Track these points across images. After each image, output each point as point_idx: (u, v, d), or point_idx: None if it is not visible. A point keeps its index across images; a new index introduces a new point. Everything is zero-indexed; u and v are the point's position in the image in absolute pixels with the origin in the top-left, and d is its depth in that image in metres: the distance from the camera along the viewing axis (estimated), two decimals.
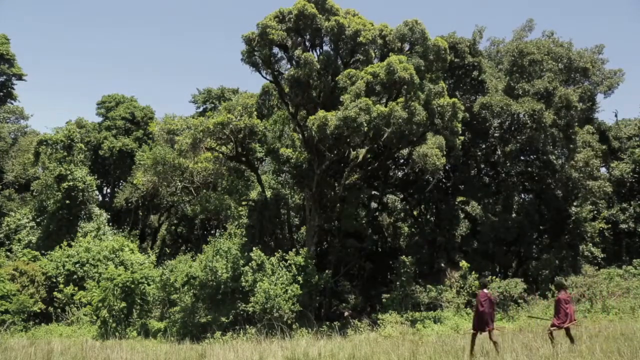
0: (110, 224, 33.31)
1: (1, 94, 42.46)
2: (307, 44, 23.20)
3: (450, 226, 29.03)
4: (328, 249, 27.46)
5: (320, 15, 22.15)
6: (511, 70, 27.40)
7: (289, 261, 21.91)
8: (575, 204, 28.53)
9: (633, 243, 31.58)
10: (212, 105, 43.44)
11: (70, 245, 28.02)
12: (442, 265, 26.87)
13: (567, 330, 11.58)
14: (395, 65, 20.38)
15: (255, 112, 24.58)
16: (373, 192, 31.18)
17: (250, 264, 21.68)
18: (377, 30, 22.76)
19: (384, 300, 23.33)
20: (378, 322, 20.84)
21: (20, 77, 42.52)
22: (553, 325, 11.60)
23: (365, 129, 19.83)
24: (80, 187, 30.75)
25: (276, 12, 22.60)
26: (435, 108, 22.00)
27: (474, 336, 11.48)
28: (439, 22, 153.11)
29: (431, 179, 26.98)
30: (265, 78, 24.44)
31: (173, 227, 44.73)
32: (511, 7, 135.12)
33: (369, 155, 24.67)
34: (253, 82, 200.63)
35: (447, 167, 28.77)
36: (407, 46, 23.40)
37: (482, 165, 30.88)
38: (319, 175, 23.64)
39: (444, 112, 22.22)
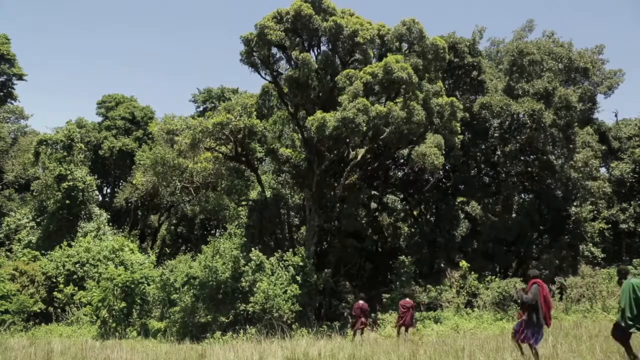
0: (110, 224, 33.31)
1: (1, 94, 42.49)
2: (305, 44, 23.19)
3: (450, 226, 29.00)
4: (328, 248, 27.46)
5: (317, 16, 22.13)
6: (511, 70, 27.40)
7: (288, 261, 21.91)
8: (575, 204, 28.53)
9: (633, 243, 31.56)
10: (212, 105, 43.48)
11: (70, 245, 28.02)
12: (442, 265, 26.86)
13: (398, 331, 16.12)
14: (392, 65, 20.38)
15: (254, 112, 24.59)
16: (373, 192, 31.17)
17: (249, 264, 21.69)
18: (375, 29, 22.74)
19: (384, 300, 23.33)
20: (378, 322, 20.84)
21: (20, 77, 42.57)
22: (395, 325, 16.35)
23: (364, 129, 19.83)
24: (80, 187, 30.76)
25: (274, 13, 22.57)
26: (434, 107, 22.00)
27: (354, 333, 16.49)
28: (438, 22, 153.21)
29: (431, 179, 27.00)
30: (265, 78, 24.45)
31: (173, 227, 44.74)
32: (511, 7, 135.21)
33: (368, 155, 24.67)
34: (253, 82, 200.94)
35: (447, 167, 28.76)
36: (405, 46, 23.39)
37: (482, 165, 30.88)
38: (319, 175, 23.64)
39: (443, 112, 22.21)
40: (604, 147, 30.50)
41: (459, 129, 23.19)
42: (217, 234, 35.70)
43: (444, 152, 22.28)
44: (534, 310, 9.10)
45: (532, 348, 8.99)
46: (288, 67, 23.72)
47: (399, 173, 30.86)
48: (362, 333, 16.45)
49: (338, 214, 26.51)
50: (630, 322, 7.93)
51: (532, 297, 9.19)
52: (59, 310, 24.58)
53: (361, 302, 16.74)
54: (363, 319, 16.49)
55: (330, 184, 25.77)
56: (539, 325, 9.01)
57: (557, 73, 27.51)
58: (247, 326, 19.78)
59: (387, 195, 33.23)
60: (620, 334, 8.27)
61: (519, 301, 10.63)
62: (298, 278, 21.41)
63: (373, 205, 32.49)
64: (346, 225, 26.53)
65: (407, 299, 16.49)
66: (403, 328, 16.24)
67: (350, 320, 17.24)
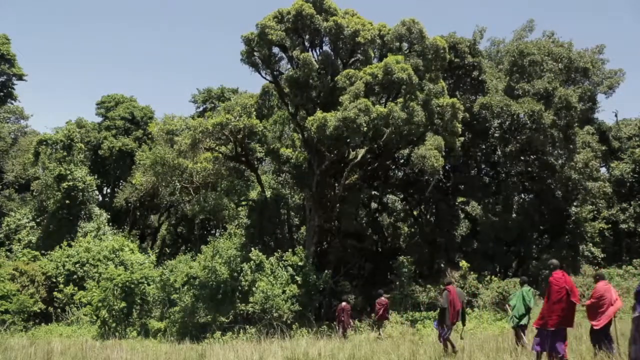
0: (110, 224, 33.30)
1: (1, 94, 42.45)
2: (306, 44, 23.19)
3: (450, 226, 28.98)
4: (328, 248, 27.42)
5: (318, 16, 22.13)
6: (511, 71, 27.38)
7: (287, 261, 21.91)
8: (575, 204, 28.52)
9: (633, 243, 31.54)
10: (212, 105, 43.41)
11: (70, 245, 28.01)
12: (442, 265, 26.84)
13: (378, 326, 17.70)
14: (392, 66, 20.36)
15: (254, 112, 24.57)
16: (373, 192, 31.16)
17: (249, 263, 21.69)
18: (375, 30, 22.73)
19: None
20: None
21: (20, 77, 42.50)
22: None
23: (365, 129, 19.82)
24: (80, 187, 30.75)
25: (275, 13, 22.59)
26: (435, 108, 21.97)
27: (342, 334, 17.20)
28: (439, 23, 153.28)
29: (431, 180, 27.00)
30: (265, 78, 24.45)
31: (173, 227, 44.71)
32: (511, 7, 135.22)
33: (368, 156, 24.66)
34: (253, 82, 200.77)
35: (447, 167, 28.74)
36: (405, 46, 23.38)
37: (482, 166, 30.87)
38: (319, 175, 23.63)
39: (444, 112, 22.19)
40: (604, 147, 30.48)
41: (459, 130, 23.17)
42: (217, 234, 35.67)
43: (444, 154, 22.25)
44: (444, 312, 11.24)
45: (447, 340, 11.22)
46: (289, 67, 23.72)
47: (399, 173, 30.83)
48: (344, 334, 17.12)
49: (338, 214, 26.47)
50: (517, 319, 11.28)
51: (443, 301, 11.40)
52: (59, 310, 24.57)
53: (343, 303, 17.81)
54: (344, 320, 17.48)
55: (330, 184, 25.75)
56: (447, 323, 11.19)
57: (557, 73, 27.48)
58: (247, 326, 19.79)
59: (387, 196, 33.21)
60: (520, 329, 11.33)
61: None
62: (298, 278, 21.41)
63: (373, 205, 32.47)
64: (346, 225, 26.50)
65: (383, 298, 17.69)
66: (383, 322, 17.67)
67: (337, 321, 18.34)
